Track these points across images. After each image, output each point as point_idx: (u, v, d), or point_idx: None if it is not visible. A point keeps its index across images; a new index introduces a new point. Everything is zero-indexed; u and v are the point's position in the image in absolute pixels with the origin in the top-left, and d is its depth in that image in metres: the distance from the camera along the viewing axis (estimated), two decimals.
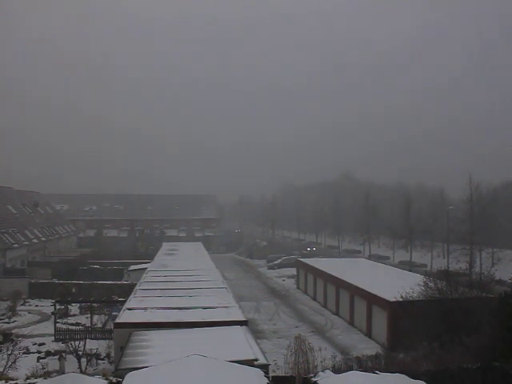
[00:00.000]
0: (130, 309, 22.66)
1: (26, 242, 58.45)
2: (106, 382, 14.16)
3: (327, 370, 15.70)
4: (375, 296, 30.51)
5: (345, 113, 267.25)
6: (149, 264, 43.39)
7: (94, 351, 24.68)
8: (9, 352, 20.30)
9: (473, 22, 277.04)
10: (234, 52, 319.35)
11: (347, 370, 17.13)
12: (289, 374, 17.59)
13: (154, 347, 17.05)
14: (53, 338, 29.19)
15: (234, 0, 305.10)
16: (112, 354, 23.41)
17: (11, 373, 19.56)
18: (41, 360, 24.54)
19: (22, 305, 39.86)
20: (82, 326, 31.00)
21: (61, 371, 21.63)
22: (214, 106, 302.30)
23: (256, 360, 15.41)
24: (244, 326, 19.67)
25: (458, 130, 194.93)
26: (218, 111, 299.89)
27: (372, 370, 15.43)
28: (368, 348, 27.38)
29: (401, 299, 27.20)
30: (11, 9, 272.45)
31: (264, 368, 14.50)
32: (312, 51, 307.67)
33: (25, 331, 28.38)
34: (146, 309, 22.38)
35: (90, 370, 22.99)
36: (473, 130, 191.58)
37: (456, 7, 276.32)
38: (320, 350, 20.96)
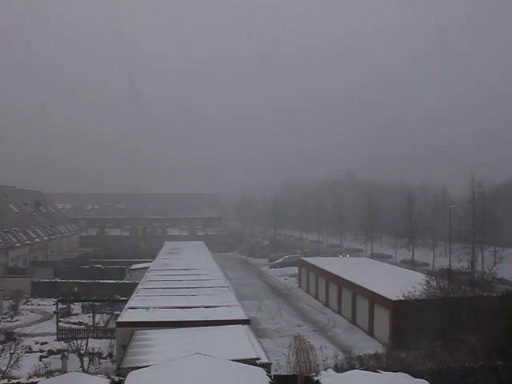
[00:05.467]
0: (132, 308, 22.67)
1: (28, 242, 58.55)
2: (108, 380, 14.17)
3: (329, 369, 15.69)
4: (377, 295, 30.49)
5: (346, 113, 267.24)
6: (151, 263, 43.47)
7: (96, 350, 24.72)
8: (11, 351, 20.32)
9: (475, 25, 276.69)
10: (238, 59, 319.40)
11: (349, 369, 17.11)
12: (291, 373, 17.58)
13: (156, 346, 17.06)
14: (55, 337, 29.25)
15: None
16: (114, 353, 23.45)
17: (13, 372, 19.60)
18: (43, 359, 24.58)
19: (24, 304, 39.95)
20: (84, 325, 31.06)
21: (63, 370, 21.66)
22: (215, 107, 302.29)
23: (258, 359, 15.40)
24: (246, 325, 19.67)
25: (460, 129, 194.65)
26: (219, 112, 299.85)
27: (374, 369, 15.40)
28: (370, 347, 27.34)
29: (403, 298, 27.16)
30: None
31: (266, 367, 14.49)
32: (312, 57, 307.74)
33: (27, 330, 28.37)
34: (148, 308, 22.39)
35: (92, 368, 23.04)
36: (474, 129, 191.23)
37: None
38: (322, 348, 20.93)
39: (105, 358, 24.92)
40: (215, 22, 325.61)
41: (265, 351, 16.89)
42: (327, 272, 41.42)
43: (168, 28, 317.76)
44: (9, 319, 34.84)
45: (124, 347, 17.59)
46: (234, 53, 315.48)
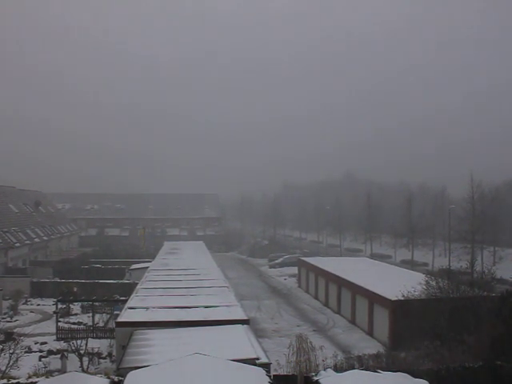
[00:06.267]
0: (131, 308, 22.67)
1: (28, 241, 58.52)
2: (108, 380, 14.16)
3: (329, 369, 15.69)
4: (377, 295, 30.48)
5: (346, 113, 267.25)
6: (150, 263, 43.46)
7: (96, 350, 24.70)
8: (11, 351, 20.32)
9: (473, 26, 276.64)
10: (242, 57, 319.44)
11: (349, 369, 17.11)
12: (290, 373, 17.58)
13: (155, 346, 17.06)
14: (54, 337, 29.24)
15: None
16: (114, 353, 23.46)
17: (13, 372, 19.59)
18: (43, 359, 24.57)
19: (23, 304, 39.93)
20: (84, 325, 31.06)
21: (62, 370, 21.65)
22: (216, 107, 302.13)
23: (257, 359, 15.40)
24: (245, 325, 19.67)
25: (460, 128, 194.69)
26: (219, 112, 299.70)
27: (374, 369, 15.40)
28: (369, 347, 27.36)
29: (402, 298, 27.17)
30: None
31: (265, 367, 14.49)
32: (313, 55, 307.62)
33: (26, 330, 28.40)
34: (147, 308, 22.40)
35: (92, 368, 23.03)
36: (474, 128, 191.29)
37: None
38: (321, 348, 20.94)
39: (104, 358, 24.91)
40: (215, 24, 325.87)
41: (264, 351, 16.90)
42: (327, 272, 41.41)
43: (168, 30, 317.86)
44: (8, 319, 34.81)
45: (123, 347, 17.60)
46: (234, 53, 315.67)
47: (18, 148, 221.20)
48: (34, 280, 45.70)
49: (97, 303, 33.62)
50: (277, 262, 68.50)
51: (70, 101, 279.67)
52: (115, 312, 30.21)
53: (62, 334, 29.04)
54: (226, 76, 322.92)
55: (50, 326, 31.64)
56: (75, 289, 40.13)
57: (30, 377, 17.61)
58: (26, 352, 23.62)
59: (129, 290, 32.97)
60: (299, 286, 50.94)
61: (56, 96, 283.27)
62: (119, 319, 20.81)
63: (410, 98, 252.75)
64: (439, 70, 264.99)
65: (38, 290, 43.64)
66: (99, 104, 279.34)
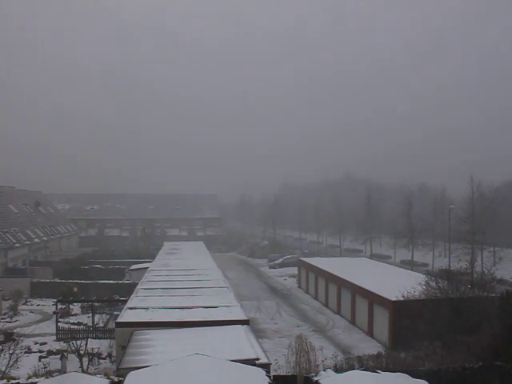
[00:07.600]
0: (131, 308, 22.69)
1: (28, 242, 58.55)
2: (108, 381, 14.19)
3: (328, 370, 15.71)
4: (377, 295, 30.49)
5: (346, 112, 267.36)
6: (150, 263, 43.47)
7: (96, 350, 24.69)
8: (10, 351, 20.33)
9: (473, 23, 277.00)
10: (232, 56, 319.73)
11: (349, 370, 17.14)
12: (290, 374, 17.59)
13: (155, 346, 17.06)
14: (54, 337, 29.27)
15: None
16: (113, 354, 23.47)
17: (13, 372, 19.61)
18: (42, 359, 24.60)
19: (23, 304, 39.97)
20: (84, 325, 31.07)
21: (62, 370, 21.68)
22: (215, 107, 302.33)
23: (257, 359, 15.42)
24: (245, 326, 19.69)
25: (459, 129, 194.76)
26: (218, 112, 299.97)
27: (373, 370, 15.41)
28: (369, 347, 27.37)
29: (402, 298, 27.18)
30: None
31: (265, 367, 14.50)
32: (311, 56, 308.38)
33: (26, 330, 28.44)
34: (147, 308, 22.42)
35: (92, 369, 23.04)
36: (474, 129, 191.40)
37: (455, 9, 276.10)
38: (321, 349, 20.94)
39: (104, 359, 24.93)
40: (220, 23, 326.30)
41: (264, 351, 16.91)
42: (327, 272, 41.41)
43: (169, 34, 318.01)
44: (8, 319, 34.84)
45: (123, 347, 17.62)
46: (235, 54, 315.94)
47: (18, 148, 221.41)
48: (34, 280, 45.74)
49: (97, 303, 33.62)
50: (277, 262, 68.49)
51: (69, 101, 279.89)
52: (115, 312, 30.23)
53: (62, 335, 29.07)
54: (225, 79, 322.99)
55: (49, 327, 31.67)
56: (75, 289, 40.13)
57: (29, 377, 17.68)
58: (25, 352, 23.62)
59: (129, 290, 32.97)
60: (299, 287, 50.95)
61: (56, 96, 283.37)
62: (119, 319, 20.83)
63: (410, 99, 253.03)
64: (440, 69, 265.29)
65: (38, 291, 43.66)
66: (99, 104, 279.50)
